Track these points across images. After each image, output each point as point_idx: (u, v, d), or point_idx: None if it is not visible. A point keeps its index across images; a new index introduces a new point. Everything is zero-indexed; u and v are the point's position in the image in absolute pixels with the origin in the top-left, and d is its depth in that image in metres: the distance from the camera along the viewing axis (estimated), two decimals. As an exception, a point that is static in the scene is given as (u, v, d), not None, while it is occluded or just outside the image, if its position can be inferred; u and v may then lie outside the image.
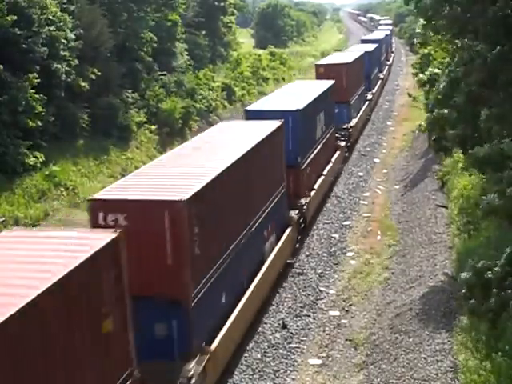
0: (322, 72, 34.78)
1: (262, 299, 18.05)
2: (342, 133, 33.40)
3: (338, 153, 30.65)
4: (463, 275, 12.08)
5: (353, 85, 37.46)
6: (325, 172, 27.24)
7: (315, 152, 25.21)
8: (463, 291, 12.17)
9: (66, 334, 8.58)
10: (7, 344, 7.46)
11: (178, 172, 14.65)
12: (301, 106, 22.70)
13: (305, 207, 22.77)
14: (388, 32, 74.00)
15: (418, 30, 37.70)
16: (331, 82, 29.75)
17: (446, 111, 17.31)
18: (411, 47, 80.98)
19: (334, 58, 41.51)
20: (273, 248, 19.26)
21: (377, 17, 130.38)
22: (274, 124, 20.15)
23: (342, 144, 32.61)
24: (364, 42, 60.49)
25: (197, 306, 12.90)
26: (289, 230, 20.70)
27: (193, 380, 12.29)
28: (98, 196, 13.12)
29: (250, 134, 18.94)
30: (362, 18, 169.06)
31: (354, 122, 37.16)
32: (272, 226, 19.29)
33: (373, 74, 49.78)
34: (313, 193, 24.45)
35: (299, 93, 26.47)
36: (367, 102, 44.71)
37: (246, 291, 16.27)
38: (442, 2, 15.16)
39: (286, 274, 20.69)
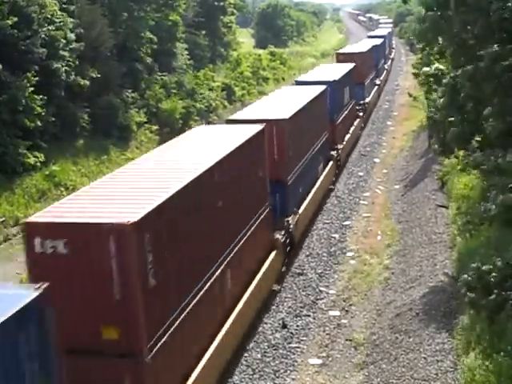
0: (342, 59, 43.34)
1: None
2: (360, 107, 41.86)
3: (358, 120, 39.86)
4: (464, 277, 12.08)
5: (366, 71, 45.50)
6: (350, 131, 36.26)
7: (343, 114, 33.72)
8: (463, 291, 12.18)
9: None
10: None
11: (132, 189, 12.50)
12: (336, 78, 31.33)
13: (340, 150, 31.71)
14: (390, 30, 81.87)
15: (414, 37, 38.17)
16: (353, 64, 38.12)
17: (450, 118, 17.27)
18: (411, 47, 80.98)
19: (351, 48, 52.54)
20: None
21: (375, 16, 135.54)
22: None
23: (361, 114, 41.66)
24: (370, 37, 67.73)
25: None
26: (331, 164, 28.27)
27: None
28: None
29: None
30: (362, 18, 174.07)
31: (367, 99, 45.89)
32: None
33: (380, 65, 58.11)
34: (344, 143, 33.33)
35: (332, 70, 34.84)
36: (376, 86, 53.31)
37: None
38: (439, 23, 15.19)
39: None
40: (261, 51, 75.53)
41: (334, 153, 30.18)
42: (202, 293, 12.99)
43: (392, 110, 52.09)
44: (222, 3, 63.09)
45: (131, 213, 10.58)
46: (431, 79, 28.23)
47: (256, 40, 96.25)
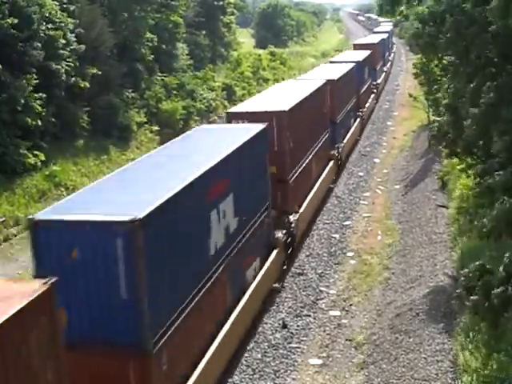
0: (358, 48, 54.19)
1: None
2: (373, 86, 51.68)
3: (373, 95, 50.91)
4: (463, 278, 12.07)
5: (377, 59, 55.22)
6: (369, 101, 47.49)
7: (364, 88, 44.63)
8: (461, 292, 12.18)
9: None
10: None
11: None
12: (360, 59, 42.01)
13: (362, 113, 42.24)
14: (391, 27, 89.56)
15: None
16: (370, 51, 49.14)
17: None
18: (411, 47, 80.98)
19: (365, 40, 65.96)
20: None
21: (374, 16, 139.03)
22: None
23: (374, 91, 52.18)
24: (376, 33, 77.09)
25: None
26: (358, 119, 40.25)
27: None
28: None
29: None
30: (361, 18, 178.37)
31: (379, 81, 55.90)
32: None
33: (385, 55, 68.03)
34: (365, 109, 44.03)
35: (356, 55, 45.54)
36: (384, 73, 64.09)
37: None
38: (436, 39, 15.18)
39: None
40: (261, 51, 75.51)
41: (359, 113, 41.22)
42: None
43: (392, 109, 52.10)
44: (222, 3, 63.09)
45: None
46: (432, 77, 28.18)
47: (256, 40, 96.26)
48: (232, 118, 20.26)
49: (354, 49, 56.49)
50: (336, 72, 32.64)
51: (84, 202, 11.79)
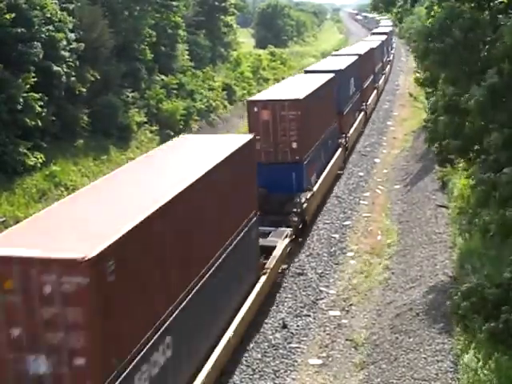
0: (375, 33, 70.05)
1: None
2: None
3: (383, 76, 59.53)
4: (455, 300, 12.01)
5: (385, 49, 64.98)
6: (386, 70, 62.44)
7: (378, 66, 54.94)
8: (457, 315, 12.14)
9: None
10: None
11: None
12: (375, 46, 51.81)
13: (379, 86, 53.83)
14: (391, 25, 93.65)
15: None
16: (385, 37, 65.31)
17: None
18: (411, 47, 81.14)
19: (379, 30, 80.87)
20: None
21: (370, 15, 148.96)
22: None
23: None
24: (375, 33, 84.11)
25: None
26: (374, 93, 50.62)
27: None
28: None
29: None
30: (359, 17, 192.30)
31: (389, 59, 68.06)
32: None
33: (388, 48, 73.56)
34: (380, 82, 55.39)
35: (374, 39, 59.13)
36: (389, 62, 70.85)
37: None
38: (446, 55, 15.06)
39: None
40: (261, 51, 75.46)
41: (377, 84, 51.73)
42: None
43: (392, 110, 52.09)
44: (222, 3, 63.04)
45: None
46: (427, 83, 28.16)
47: (256, 40, 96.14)
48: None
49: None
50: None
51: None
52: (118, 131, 36.61)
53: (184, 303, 11.95)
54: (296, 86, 27.03)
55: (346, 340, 16.88)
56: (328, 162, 28.61)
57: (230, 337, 14.37)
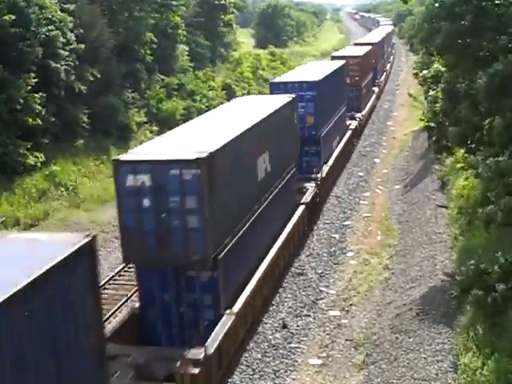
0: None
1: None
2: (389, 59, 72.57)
3: (389, 64, 72.80)
4: (460, 274, 12.07)
5: (387, 42, 74.34)
6: (390, 59, 76.77)
7: (386, 53, 68.91)
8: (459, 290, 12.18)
9: None
10: None
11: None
12: (380, 39, 62.56)
13: (387, 72, 67.20)
14: (391, 23, 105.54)
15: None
16: (392, 27, 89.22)
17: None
18: (411, 47, 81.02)
19: (384, 22, 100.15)
20: None
21: (366, 14, 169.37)
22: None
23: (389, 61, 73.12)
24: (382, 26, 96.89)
25: None
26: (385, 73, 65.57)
27: None
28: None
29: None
30: (357, 16, 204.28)
31: (390, 59, 78.83)
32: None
33: (390, 43, 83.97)
34: (388, 67, 70.15)
35: (381, 30, 76.95)
36: (393, 54, 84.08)
37: None
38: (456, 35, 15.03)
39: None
40: (261, 51, 75.42)
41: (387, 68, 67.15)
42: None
43: (392, 110, 52.10)
44: (222, 3, 63.00)
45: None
46: (430, 80, 28.21)
47: (256, 40, 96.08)
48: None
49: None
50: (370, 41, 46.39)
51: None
52: (117, 131, 36.59)
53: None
54: (314, 70, 32.40)
55: (346, 340, 16.88)
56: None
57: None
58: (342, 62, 36.26)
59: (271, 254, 18.30)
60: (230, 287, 15.08)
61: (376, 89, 53.79)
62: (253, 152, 17.49)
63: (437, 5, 15.80)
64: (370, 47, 50.43)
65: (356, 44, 58.51)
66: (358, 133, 39.81)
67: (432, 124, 23.79)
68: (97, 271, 10.04)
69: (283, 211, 20.97)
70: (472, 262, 12.33)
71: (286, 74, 33.60)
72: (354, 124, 38.12)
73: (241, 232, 15.80)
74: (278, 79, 30.17)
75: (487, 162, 12.43)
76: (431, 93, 25.18)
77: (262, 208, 17.88)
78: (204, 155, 13.45)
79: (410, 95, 41.18)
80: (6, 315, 7.84)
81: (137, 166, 13.68)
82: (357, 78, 42.08)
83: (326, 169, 27.65)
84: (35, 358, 8.46)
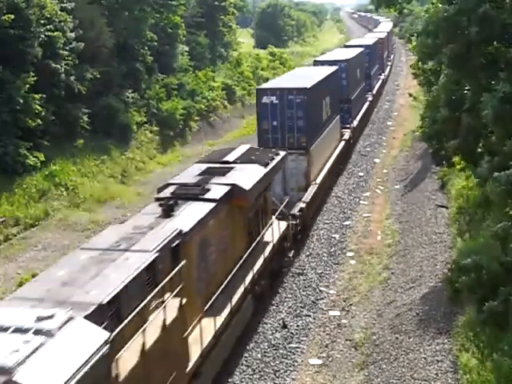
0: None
1: None
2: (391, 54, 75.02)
3: (388, 68, 70.10)
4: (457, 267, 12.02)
5: (389, 40, 76.06)
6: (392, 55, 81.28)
7: (388, 50, 70.77)
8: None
9: None
10: None
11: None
12: (382, 36, 62.67)
13: (391, 62, 73.72)
14: (391, 22, 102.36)
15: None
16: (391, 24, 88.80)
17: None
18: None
19: (385, 20, 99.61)
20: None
21: (363, 13, 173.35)
22: (333, 68, 31.43)
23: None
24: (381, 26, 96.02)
25: None
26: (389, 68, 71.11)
27: None
28: (263, 86, 28.41)
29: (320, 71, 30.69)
30: (355, 15, 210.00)
31: (392, 52, 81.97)
32: None
33: (390, 43, 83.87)
34: (392, 57, 77.30)
35: (384, 27, 79.79)
36: (393, 50, 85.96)
37: None
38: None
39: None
40: (261, 51, 75.43)
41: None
42: None
43: (392, 110, 52.10)
44: (222, 3, 63.00)
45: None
46: (430, 74, 28.06)
47: (256, 40, 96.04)
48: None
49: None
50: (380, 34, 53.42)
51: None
52: (117, 131, 36.58)
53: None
54: (304, 76, 34.35)
55: (346, 340, 16.89)
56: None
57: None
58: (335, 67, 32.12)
59: (334, 155, 29.87)
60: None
61: (367, 104, 44.29)
62: (323, 93, 27.38)
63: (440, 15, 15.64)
64: (361, 49, 42.59)
65: (346, 46, 49.19)
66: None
67: (430, 132, 23.74)
68: None
69: (333, 137, 30.95)
70: (469, 260, 12.28)
71: (274, 80, 33.31)
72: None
73: (322, 134, 26.78)
74: (264, 85, 30.41)
75: (495, 175, 12.25)
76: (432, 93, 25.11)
77: (326, 130, 28.02)
78: (308, 86, 24.18)
79: (410, 95, 41.18)
80: None
81: (268, 91, 24.03)
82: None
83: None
84: None
